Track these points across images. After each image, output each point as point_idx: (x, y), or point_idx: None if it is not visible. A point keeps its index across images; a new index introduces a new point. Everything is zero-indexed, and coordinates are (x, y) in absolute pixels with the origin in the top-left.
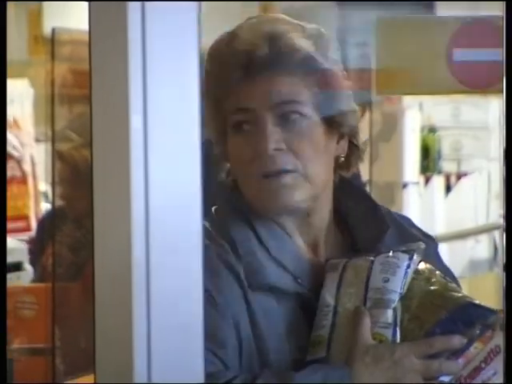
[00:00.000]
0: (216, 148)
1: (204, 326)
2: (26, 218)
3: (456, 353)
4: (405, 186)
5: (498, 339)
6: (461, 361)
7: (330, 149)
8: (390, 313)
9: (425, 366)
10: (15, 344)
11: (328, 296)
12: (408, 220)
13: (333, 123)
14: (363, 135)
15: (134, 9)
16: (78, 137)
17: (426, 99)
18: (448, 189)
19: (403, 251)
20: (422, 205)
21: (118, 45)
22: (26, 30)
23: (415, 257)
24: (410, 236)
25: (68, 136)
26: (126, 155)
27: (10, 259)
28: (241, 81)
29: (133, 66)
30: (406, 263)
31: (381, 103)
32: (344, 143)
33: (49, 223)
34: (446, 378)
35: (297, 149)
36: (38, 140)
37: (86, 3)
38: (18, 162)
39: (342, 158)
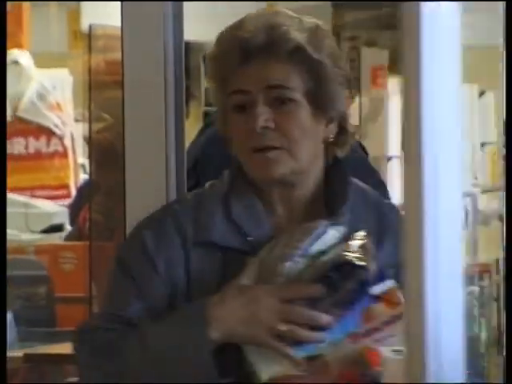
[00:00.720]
0: (220, 126)
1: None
2: (66, 186)
3: (351, 307)
4: (389, 159)
5: (402, 307)
6: (358, 317)
7: (318, 131)
8: (287, 265)
9: (282, 309)
10: (58, 293)
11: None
12: (383, 192)
13: (321, 108)
14: (353, 119)
15: (158, 6)
16: (109, 117)
17: None
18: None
19: (331, 224)
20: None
21: (145, 37)
22: (66, 26)
23: (334, 230)
24: (371, 209)
25: (101, 116)
26: (152, 132)
27: (53, 221)
28: (240, 65)
29: (161, 55)
30: (322, 230)
31: (369, 89)
32: (333, 127)
33: (86, 192)
34: (309, 348)
35: (284, 128)
36: (76, 120)
37: (119, 2)
38: (60, 138)
39: (331, 139)
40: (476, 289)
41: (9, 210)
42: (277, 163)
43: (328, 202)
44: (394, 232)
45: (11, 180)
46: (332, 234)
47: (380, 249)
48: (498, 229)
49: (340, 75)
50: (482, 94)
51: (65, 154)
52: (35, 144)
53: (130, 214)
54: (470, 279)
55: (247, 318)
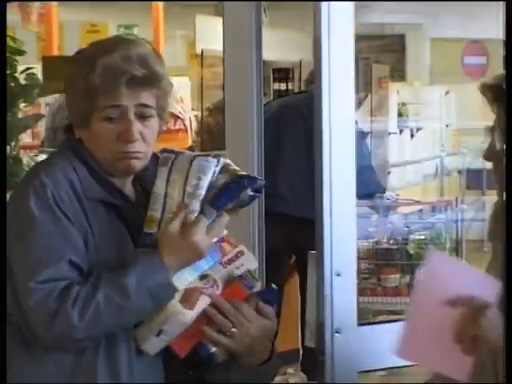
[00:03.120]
0: (77, 129)
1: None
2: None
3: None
4: (389, 133)
5: (242, 247)
6: (218, 250)
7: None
8: (198, 202)
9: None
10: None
11: (160, 184)
12: None
13: (164, 119)
14: (366, 110)
15: (246, 37)
16: (213, 107)
17: (401, 87)
18: (412, 136)
19: (213, 156)
20: (398, 143)
21: (238, 57)
22: (186, 50)
23: (221, 160)
24: None
25: (208, 107)
26: (241, 116)
27: None
28: (117, 88)
29: (248, 69)
30: (214, 165)
31: (377, 91)
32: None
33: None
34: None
35: (146, 138)
36: (193, 109)
37: (221, 35)
38: (182, 120)
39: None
40: (443, 215)
41: None
42: (137, 164)
43: None
44: None
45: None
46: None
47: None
48: (457, 178)
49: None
50: (447, 93)
51: (185, 131)
52: (167, 124)
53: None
54: (438, 209)
55: (189, 257)
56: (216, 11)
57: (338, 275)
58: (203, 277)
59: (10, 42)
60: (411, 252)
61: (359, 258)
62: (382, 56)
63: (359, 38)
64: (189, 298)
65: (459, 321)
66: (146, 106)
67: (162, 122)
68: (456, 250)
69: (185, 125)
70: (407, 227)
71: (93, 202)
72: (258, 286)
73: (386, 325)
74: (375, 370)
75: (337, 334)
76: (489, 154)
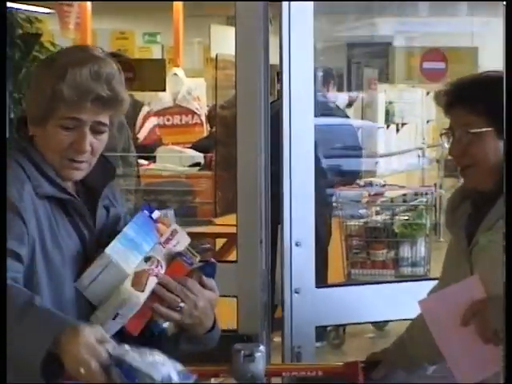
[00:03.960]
0: (32, 125)
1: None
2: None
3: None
4: (378, 128)
5: (175, 225)
6: (154, 232)
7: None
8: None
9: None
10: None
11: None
12: None
13: (110, 130)
14: (359, 106)
15: (255, 43)
16: (226, 104)
17: (388, 88)
18: (397, 130)
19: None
20: (385, 136)
21: (248, 61)
22: (202, 54)
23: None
24: None
25: (222, 104)
26: (250, 112)
27: (194, 161)
28: (82, 103)
29: (257, 71)
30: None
31: (367, 90)
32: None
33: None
34: None
35: (95, 150)
36: (208, 106)
37: (234, 40)
38: (198, 116)
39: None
40: (424, 199)
41: (171, 154)
42: (80, 174)
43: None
44: None
45: (174, 138)
46: None
47: None
48: (436, 167)
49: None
50: (428, 93)
51: (201, 124)
52: (185, 118)
53: (240, 157)
54: (420, 194)
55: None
56: (228, 21)
57: (297, 245)
58: (147, 259)
59: (50, 47)
60: (396, 231)
61: (351, 236)
62: (372, 61)
63: (352, 46)
64: (139, 280)
65: (477, 325)
66: (101, 123)
67: (110, 133)
68: (434, 229)
69: (201, 119)
70: (392, 209)
71: (42, 198)
72: (197, 262)
73: (342, 288)
74: (337, 325)
75: (295, 294)
76: (451, 152)
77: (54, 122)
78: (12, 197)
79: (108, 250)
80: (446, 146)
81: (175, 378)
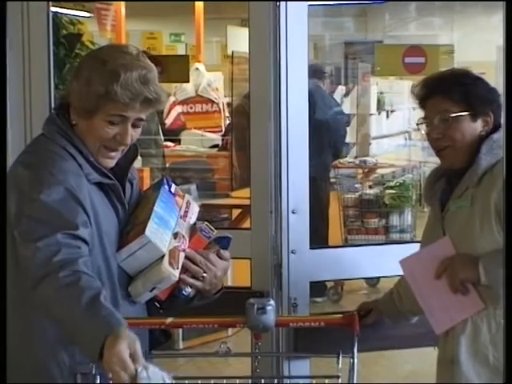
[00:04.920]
0: (76, 116)
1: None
2: (219, 127)
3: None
4: (371, 114)
5: (187, 196)
6: (175, 206)
7: None
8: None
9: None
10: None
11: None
12: None
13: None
14: (354, 97)
15: (267, 42)
16: (241, 95)
17: (380, 81)
18: (387, 116)
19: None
20: (377, 122)
21: (260, 57)
22: (220, 52)
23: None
24: None
25: (237, 95)
26: (262, 102)
27: (214, 143)
28: (133, 103)
29: (267, 66)
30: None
31: (361, 82)
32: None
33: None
34: None
35: (133, 140)
36: (225, 96)
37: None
38: (217, 104)
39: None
40: (410, 175)
41: (194, 137)
42: (113, 163)
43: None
44: None
45: (196, 123)
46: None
47: None
48: (421, 148)
49: None
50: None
51: (219, 112)
52: (206, 107)
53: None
54: (407, 171)
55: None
56: (242, 23)
57: (294, 212)
58: (175, 235)
59: (90, 46)
60: (387, 202)
61: (348, 207)
62: (365, 57)
63: (349, 44)
64: (174, 259)
65: (447, 277)
66: (142, 119)
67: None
68: (419, 200)
69: (219, 107)
70: (383, 184)
71: (92, 184)
72: (214, 235)
73: (332, 249)
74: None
75: (292, 254)
76: (430, 136)
77: (101, 117)
78: (72, 188)
79: (147, 231)
80: (423, 132)
81: None
